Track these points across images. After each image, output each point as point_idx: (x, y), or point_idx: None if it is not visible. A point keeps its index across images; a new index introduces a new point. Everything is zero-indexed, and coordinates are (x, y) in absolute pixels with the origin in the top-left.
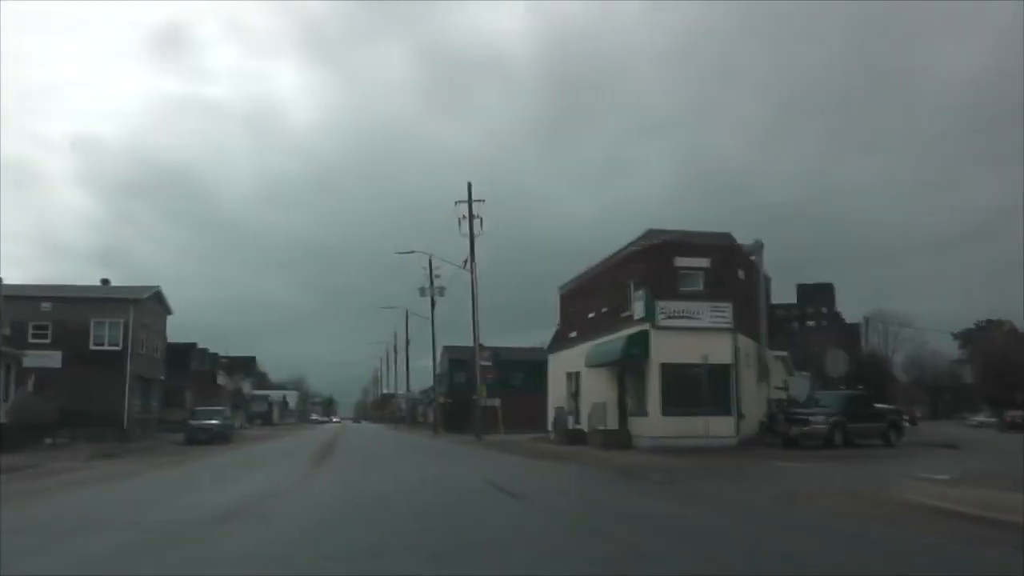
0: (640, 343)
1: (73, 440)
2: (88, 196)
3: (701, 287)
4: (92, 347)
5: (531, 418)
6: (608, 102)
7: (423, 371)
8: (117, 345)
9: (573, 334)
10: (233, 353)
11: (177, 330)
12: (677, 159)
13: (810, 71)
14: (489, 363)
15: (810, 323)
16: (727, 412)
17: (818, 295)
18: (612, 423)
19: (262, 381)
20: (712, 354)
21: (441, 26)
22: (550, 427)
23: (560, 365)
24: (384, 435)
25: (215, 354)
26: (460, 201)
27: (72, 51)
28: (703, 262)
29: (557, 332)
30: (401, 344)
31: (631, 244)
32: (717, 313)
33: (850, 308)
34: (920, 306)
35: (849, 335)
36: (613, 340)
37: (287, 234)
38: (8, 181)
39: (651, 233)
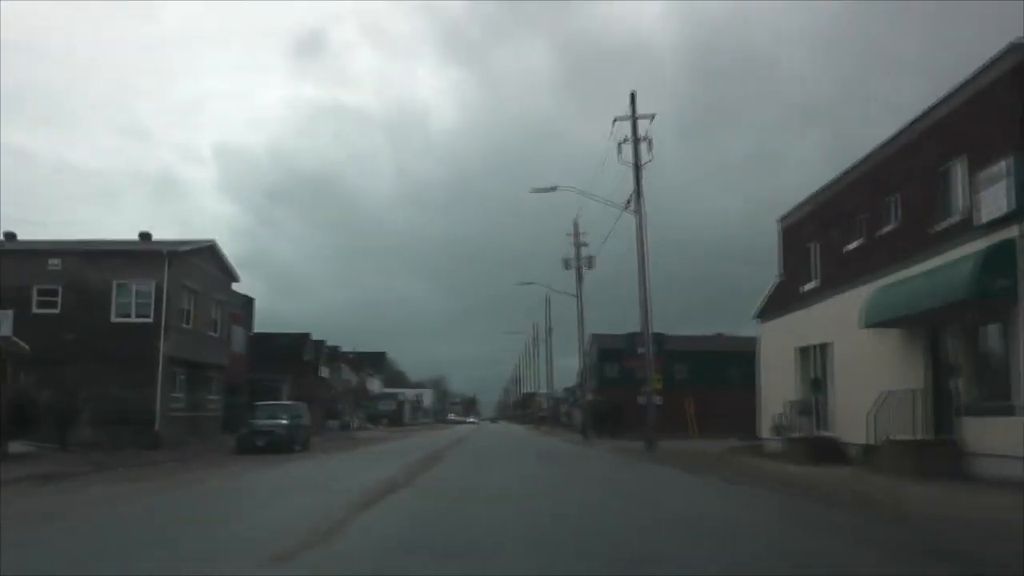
0: (1001, 268)
1: (64, 447)
2: (232, 203)
3: None
4: (116, 318)
5: (703, 420)
6: (753, 92)
7: (566, 370)
8: (148, 316)
9: (810, 285)
10: (363, 349)
11: (314, 330)
12: (826, 148)
13: (962, 50)
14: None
15: None
16: None
17: None
18: (919, 429)
19: (399, 380)
20: None
21: (580, 20)
22: (767, 432)
23: (785, 337)
24: (519, 440)
25: (335, 347)
26: (621, 118)
27: (214, 64)
28: None
29: (777, 286)
30: (542, 336)
31: (974, 78)
32: None
33: None
34: None
35: None
36: (928, 274)
37: (428, 236)
38: (155, 191)
39: (1016, 49)
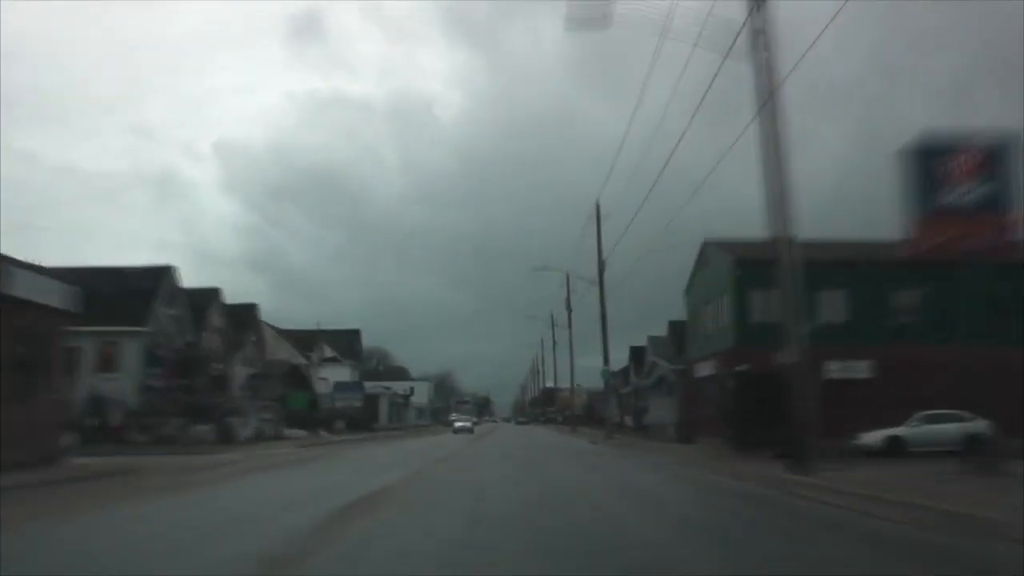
0: None
1: None
2: (236, 202)
3: None
4: None
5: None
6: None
7: (590, 371)
8: None
9: None
10: (336, 326)
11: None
12: (851, 129)
13: (998, 23)
14: None
15: None
16: None
17: None
18: None
19: (399, 375)
20: None
21: None
22: None
23: None
24: (564, 474)
25: (248, 305)
26: None
27: (217, 61)
28: None
29: None
30: (570, 309)
31: None
32: None
33: None
34: None
35: None
36: None
37: (440, 231)
38: (158, 191)
39: None
